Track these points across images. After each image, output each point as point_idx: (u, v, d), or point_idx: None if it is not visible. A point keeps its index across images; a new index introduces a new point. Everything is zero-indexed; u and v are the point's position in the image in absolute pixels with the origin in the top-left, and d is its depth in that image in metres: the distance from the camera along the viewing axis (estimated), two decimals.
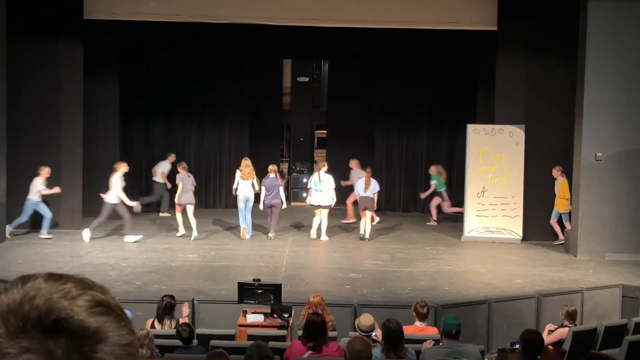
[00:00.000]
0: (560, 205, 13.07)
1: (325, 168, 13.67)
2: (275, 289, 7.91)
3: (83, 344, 0.82)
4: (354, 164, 15.84)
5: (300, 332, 6.79)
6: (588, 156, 12.11)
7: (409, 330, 7.24)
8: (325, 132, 20.29)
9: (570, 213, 12.86)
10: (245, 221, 13.34)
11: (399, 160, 17.69)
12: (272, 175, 13.37)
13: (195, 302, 8.75)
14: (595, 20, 11.98)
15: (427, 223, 15.60)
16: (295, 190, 18.93)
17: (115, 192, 12.52)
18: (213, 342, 6.50)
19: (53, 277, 0.87)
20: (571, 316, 7.65)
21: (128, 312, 7.22)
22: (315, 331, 5.68)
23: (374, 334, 6.24)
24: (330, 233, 13.82)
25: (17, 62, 12.95)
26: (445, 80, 17.18)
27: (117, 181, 12.55)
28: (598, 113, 12.05)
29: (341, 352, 5.77)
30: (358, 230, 13.81)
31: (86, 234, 12.59)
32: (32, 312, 0.82)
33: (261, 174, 13.95)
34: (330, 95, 19.49)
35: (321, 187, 13.35)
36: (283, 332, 7.42)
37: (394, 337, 5.54)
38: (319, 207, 13.37)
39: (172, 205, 14.80)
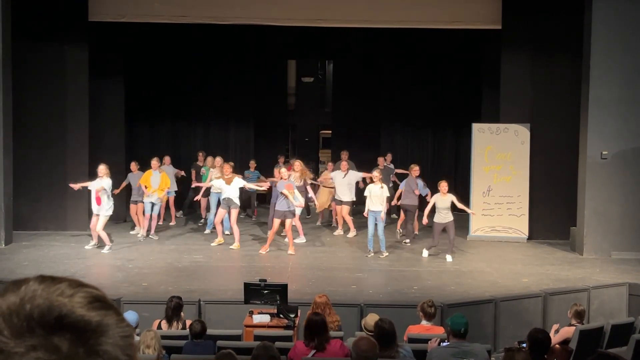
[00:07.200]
0: None
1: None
2: (282, 289, 7.92)
3: (87, 337, 0.84)
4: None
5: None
6: (594, 154, 12.08)
7: (415, 330, 7.24)
8: (330, 132, 20.30)
9: None
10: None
11: (404, 160, 17.66)
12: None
13: (201, 302, 8.77)
14: (600, 17, 11.94)
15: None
16: None
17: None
18: (220, 343, 6.51)
19: (46, 279, 0.89)
20: (579, 315, 7.62)
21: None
22: (316, 330, 5.73)
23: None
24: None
25: (23, 64, 13.00)
26: (450, 79, 17.15)
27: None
28: (603, 110, 12.01)
29: (346, 351, 5.78)
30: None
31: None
32: (35, 310, 0.84)
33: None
34: (335, 95, 19.50)
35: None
36: (289, 332, 7.43)
37: (387, 337, 5.55)
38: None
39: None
